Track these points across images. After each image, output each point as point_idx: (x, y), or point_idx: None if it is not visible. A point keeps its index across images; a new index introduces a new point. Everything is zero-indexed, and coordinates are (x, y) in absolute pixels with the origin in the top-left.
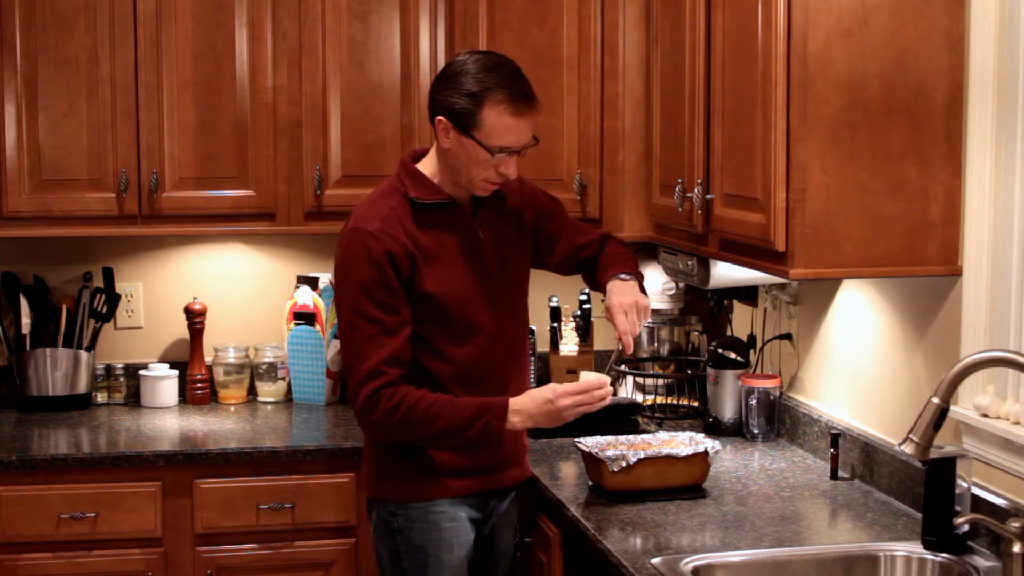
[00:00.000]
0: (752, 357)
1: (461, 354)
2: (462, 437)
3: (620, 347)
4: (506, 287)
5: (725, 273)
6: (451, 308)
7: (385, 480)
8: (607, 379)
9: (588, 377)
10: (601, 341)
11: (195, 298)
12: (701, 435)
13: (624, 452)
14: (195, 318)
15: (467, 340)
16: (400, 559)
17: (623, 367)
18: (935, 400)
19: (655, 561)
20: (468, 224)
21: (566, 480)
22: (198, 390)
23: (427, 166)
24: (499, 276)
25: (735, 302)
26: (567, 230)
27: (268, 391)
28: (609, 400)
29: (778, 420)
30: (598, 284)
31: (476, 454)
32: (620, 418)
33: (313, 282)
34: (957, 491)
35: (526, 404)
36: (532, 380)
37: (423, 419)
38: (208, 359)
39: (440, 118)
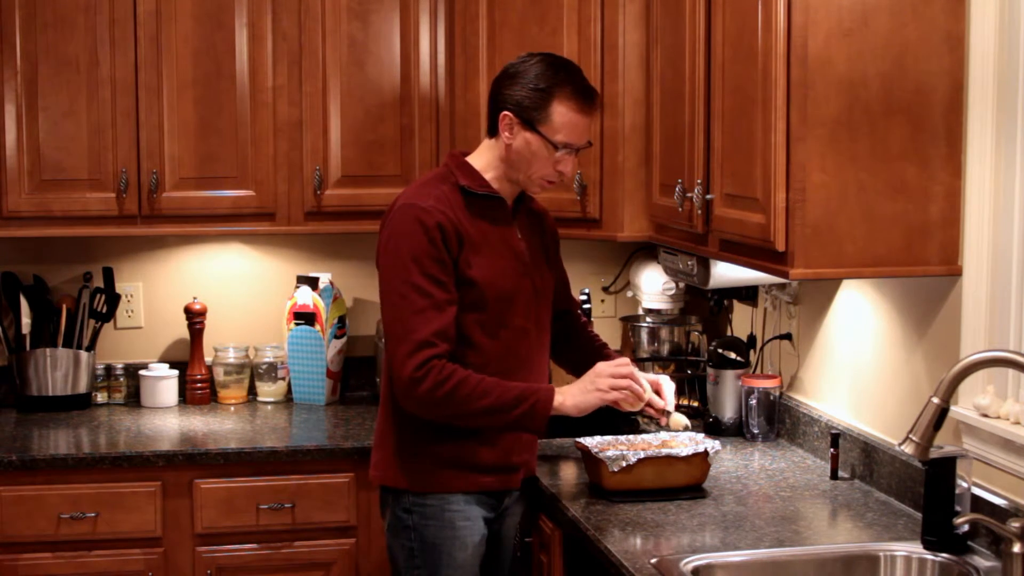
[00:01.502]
0: (752, 357)
1: (490, 347)
2: (507, 416)
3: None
4: (535, 289)
5: (725, 273)
6: (489, 299)
7: (403, 468)
8: (648, 393)
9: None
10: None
11: (195, 298)
12: (701, 435)
13: (624, 452)
14: (195, 318)
15: (496, 334)
16: (414, 556)
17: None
18: (935, 400)
19: (655, 561)
20: (509, 222)
21: (566, 480)
22: (198, 390)
23: (477, 161)
24: (531, 278)
25: (735, 302)
26: (567, 282)
27: (268, 391)
28: (640, 406)
29: (778, 420)
30: (586, 352)
31: (499, 450)
32: (620, 418)
33: (313, 282)
34: (957, 491)
35: (569, 387)
36: None
37: (470, 395)
38: (208, 359)
39: (506, 113)
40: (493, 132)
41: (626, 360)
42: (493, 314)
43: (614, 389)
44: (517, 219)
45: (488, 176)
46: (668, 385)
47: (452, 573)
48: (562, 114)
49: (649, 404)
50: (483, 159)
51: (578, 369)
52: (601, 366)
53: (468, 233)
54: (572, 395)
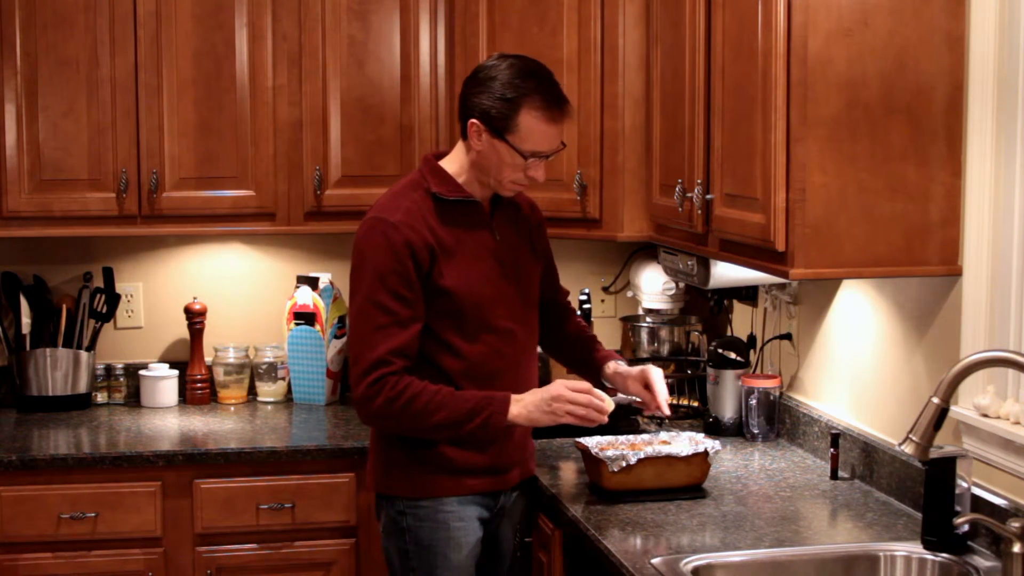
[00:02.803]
0: (752, 357)
1: (473, 351)
2: (461, 430)
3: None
4: (518, 289)
5: (725, 273)
6: (466, 305)
7: (394, 475)
8: (611, 406)
9: (599, 392)
10: (601, 341)
11: (195, 298)
12: (701, 435)
13: (624, 452)
14: (195, 318)
15: (479, 338)
16: (409, 558)
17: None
18: (935, 400)
19: (655, 561)
20: (486, 224)
21: (566, 480)
22: (198, 390)
23: (450, 164)
24: (512, 278)
25: (735, 302)
26: (554, 269)
27: (268, 391)
28: (604, 420)
29: (778, 420)
30: (587, 355)
31: (488, 453)
32: (620, 418)
33: (313, 282)
34: (957, 491)
35: (527, 396)
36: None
37: (424, 409)
38: (208, 359)
39: (473, 121)
40: (466, 135)
41: (587, 385)
42: (472, 319)
43: (569, 414)
44: (495, 218)
45: (462, 179)
46: (657, 376)
47: (447, 574)
48: (529, 125)
49: (644, 405)
50: (457, 162)
51: (567, 359)
52: (559, 386)
53: (440, 243)
54: (527, 408)
